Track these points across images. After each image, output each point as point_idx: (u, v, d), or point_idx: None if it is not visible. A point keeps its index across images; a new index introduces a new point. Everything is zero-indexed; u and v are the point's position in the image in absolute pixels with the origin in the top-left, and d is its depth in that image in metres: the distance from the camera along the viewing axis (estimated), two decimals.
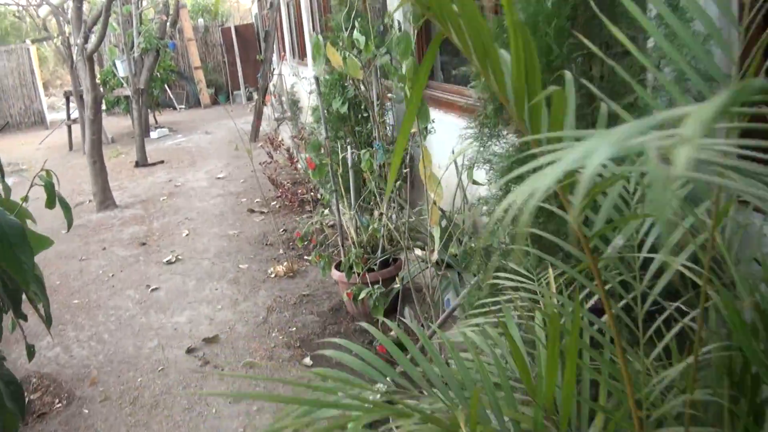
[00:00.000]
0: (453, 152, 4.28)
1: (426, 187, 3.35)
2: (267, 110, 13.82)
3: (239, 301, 5.05)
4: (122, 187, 9.64)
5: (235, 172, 9.91)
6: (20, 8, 16.81)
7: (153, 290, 5.47)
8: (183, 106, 20.42)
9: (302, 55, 12.54)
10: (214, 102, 21.12)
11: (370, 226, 4.45)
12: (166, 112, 18.05)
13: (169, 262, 6.10)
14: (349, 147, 4.59)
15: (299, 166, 8.80)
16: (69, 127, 13.81)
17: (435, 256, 3.42)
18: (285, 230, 6.65)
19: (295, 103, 11.11)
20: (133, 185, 9.72)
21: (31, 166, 12.45)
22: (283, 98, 14.41)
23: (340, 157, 4.59)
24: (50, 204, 2.34)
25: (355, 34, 3.31)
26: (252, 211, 7.52)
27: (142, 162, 11.07)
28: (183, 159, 11.49)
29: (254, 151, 11.40)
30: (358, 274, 4.14)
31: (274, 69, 13.51)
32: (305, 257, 5.82)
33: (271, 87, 13.67)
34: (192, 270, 5.86)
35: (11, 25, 21.85)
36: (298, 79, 10.83)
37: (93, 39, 7.07)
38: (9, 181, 9.32)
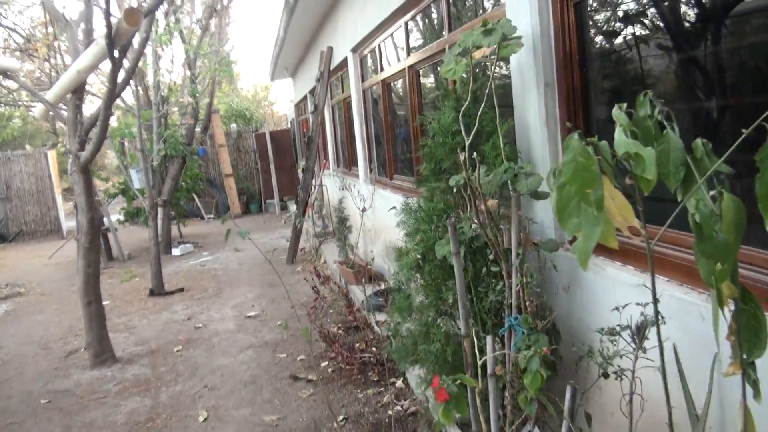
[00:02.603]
0: None
1: None
2: (305, 224, 12.02)
3: None
4: (129, 326, 7.71)
5: (270, 308, 7.94)
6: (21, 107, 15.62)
7: None
8: (211, 216, 18.78)
9: (350, 165, 10.80)
10: (245, 212, 19.49)
11: None
12: (192, 222, 16.38)
13: None
14: (488, 339, 2.58)
15: (360, 309, 6.84)
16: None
17: None
18: (346, 419, 4.60)
19: (342, 221, 9.26)
20: (143, 324, 7.77)
21: (29, 289, 10.63)
22: (324, 211, 12.63)
23: (470, 351, 2.59)
24: None
25: (619, 135, 1.33)
26: (296, 378, 5.48)
27: (157, 290, 9.19)
28: (207, 286, 9.59)
29: (293, 275, 9.51)
30: None
31: (315, 179, 11.76)
32: None
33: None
34: None
35: (22, 128, 20.70)
36: (349, 192, 9.01)
37: (89, 147, 5.32)
38: (0, 308, 7.38)
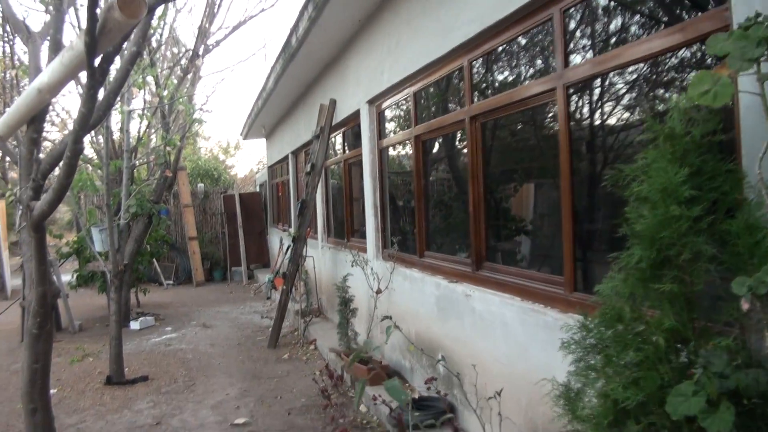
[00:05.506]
0: None
1: None
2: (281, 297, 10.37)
3: None
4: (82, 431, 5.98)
5: (261, 411, 6.28)
6: None
7: None
8: (171, 282, 16.96)
9: (348, 235, 9.32)
10: (209, 279, 17.68)
11: None
12: (150, 289, 14.59)
13: None
14: None
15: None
16: (23, 309, 10.09)
17: None
18: None
19: (346, 303, 7.68)
20: (98, 428, 6.04)
21: None
22: (303, 284, 11.03)
23: None
24: None
25: None
26: None
27: (116, 378, 7.43)
28: (176, 374, 7.85)
29: (279, 364, 7.87)
30: None
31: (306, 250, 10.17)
32: None
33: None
34: None
35: None
36: (360, 267, 7.49)
37: (45, 196, 3.68)
38: None
